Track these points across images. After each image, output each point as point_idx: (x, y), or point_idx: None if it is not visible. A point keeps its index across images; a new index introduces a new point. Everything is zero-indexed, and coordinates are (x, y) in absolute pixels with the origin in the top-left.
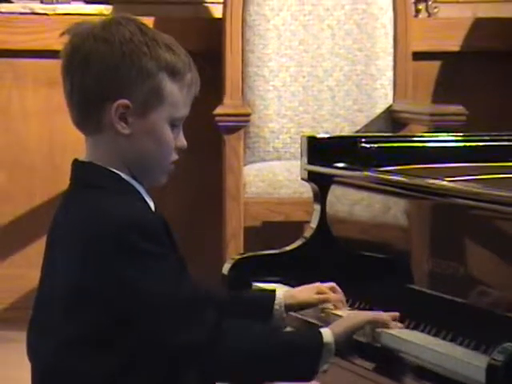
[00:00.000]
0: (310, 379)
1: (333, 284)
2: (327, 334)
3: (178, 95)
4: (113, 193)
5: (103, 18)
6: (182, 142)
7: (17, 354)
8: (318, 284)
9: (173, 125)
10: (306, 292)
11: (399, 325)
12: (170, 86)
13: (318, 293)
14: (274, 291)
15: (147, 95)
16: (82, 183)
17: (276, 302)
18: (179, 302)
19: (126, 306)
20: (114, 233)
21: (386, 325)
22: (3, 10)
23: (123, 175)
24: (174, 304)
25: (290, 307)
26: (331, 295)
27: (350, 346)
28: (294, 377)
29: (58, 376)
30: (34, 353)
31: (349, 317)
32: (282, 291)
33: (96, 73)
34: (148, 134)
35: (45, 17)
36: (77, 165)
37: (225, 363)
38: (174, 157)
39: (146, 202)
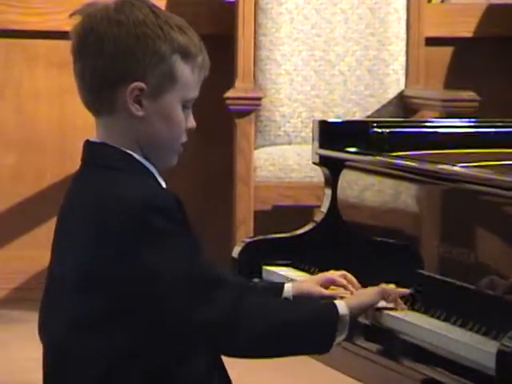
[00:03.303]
0: (325, 352)
1: (344, 272)
2: (342, 306)
3: (190, 77)
4: (126, 173)
5: None
6: (192, 123)
7: (28, 334)
8: (329, 275)
9: (184, 106)
10: (316, 285)
11: (403, 306)
12: (183, 68)
13: (327, 284)
14: (283, 283)
15: (161, 77)
16: (95, 163)
17: (284, 293)
18: (195, 280)
19: (141, 284)
20: (129, 213)
21: (394, 299)
22: None
23: (136, 156)
24: (190, 282)
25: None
26: (339, 291)
27: (359, 329)
28: (311, 350)
29: (69, 355)
30: (45, 332)
31: (362, 292)
32: (290, 284)
33: (110, 55)
34: (161, 115)
35: None
36: (89, 145)
37: (242, 340)
38: (184, 138)
39: (158, 183)
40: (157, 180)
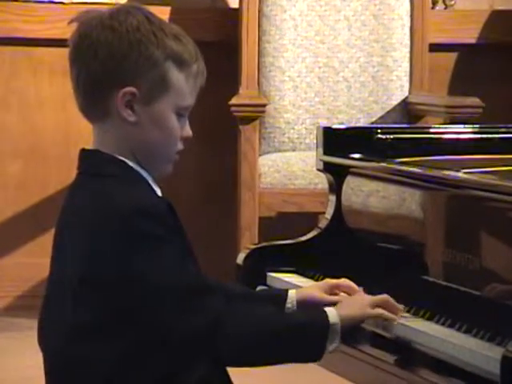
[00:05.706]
0: (317, 360)
1: (344, 279)
2: (333, 314)
3: (184, 84)
4: (118, 180)
5: (112, 6)
6: (188, 131)
7: (32, 341)
8: (333, 282)
9: (179, 114)
10: (319, 291)
11: (400, 307)
12: (177, 75)
13: (331, 290)
14: (286, 290)
15: (153, 83)
16: (89, 171)
17: (288, 300)
18: (181, 288)
19: (129, 293)
20: (119, 219)
21: (390, 312)
22: None
23: (130, 163)
24: (176, 290)
25: (301, 306)
26: (343, 296)
27: (362, 334)
28: (302, 358)
29: (69, 362)
30: (45, 340)
31: (354, 302)
32: (293, 291)
33: (103, 61)
34: (154, 122)
35: (61, 6)
36: (84, 153)
37: (228, 348)
38: (180, 146)
39: (152, 190)
40: (151, 187)
